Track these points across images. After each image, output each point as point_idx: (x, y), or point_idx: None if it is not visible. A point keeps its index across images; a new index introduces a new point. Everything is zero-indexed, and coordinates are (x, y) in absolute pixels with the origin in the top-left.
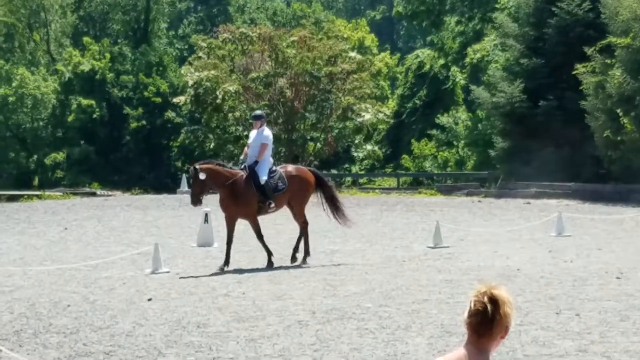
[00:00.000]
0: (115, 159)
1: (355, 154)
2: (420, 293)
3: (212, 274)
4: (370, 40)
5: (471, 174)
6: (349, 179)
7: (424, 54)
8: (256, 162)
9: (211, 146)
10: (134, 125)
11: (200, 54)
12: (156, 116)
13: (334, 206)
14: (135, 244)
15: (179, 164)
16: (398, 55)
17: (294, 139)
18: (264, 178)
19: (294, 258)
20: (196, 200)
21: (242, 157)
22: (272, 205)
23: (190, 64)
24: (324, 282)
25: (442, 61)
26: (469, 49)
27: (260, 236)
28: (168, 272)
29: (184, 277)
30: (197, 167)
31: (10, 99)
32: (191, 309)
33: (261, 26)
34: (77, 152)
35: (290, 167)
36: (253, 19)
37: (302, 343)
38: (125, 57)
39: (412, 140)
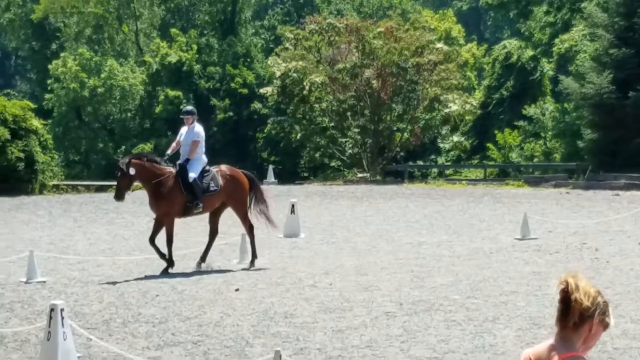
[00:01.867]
0: None
1: (441, 145)
2: (507, 285)
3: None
4: (457, 30)
5: (559, 165)
6: (435, 170)
7: (512, 44)
8: (187, 161)
9: (297, 137)
10: (220, 116)
11: (287, 45)
12: (243, 107)
13: (262, 210)
14: (222, 234)
15: (265, 155)
16: (485, 45)
17: (380, 130)
18: (192, 175)
19: (199, 264)
20: (121, 195)
21: (168, 151)
22: (200, 205)
23: (277, 55)
24: (411, 273)
25: (529, 52)
26: (557, 39)
27: (170, 241)
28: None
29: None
30: (127, 161)
31: (99, 90)
32: (278, 299)
33: (348, 17)
34: (164, 143)
35: (224, 168)
36: (339, 9)
37: (390, 334)
38: (212, 48)
39: (496, 131)
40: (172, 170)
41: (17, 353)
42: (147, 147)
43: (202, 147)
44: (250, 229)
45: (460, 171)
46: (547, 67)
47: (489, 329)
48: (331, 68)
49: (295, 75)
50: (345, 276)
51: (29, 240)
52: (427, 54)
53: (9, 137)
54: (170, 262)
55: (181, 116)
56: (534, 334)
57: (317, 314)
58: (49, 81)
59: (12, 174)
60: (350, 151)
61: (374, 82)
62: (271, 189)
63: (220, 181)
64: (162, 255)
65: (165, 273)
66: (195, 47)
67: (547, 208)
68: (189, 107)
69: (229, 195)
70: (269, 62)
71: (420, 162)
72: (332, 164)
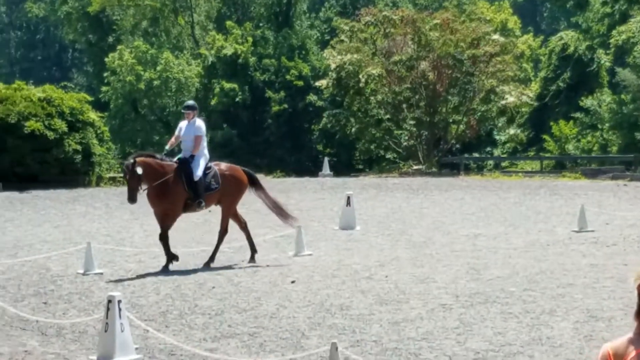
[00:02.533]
0: (257, 142)
1: (497, 137)
2: (564, 277)
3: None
4: (513, 22)
5: (616, 157)
6: (491, 162)
7: (568, 35)
8: (192, 157)
9: (352, 130)
10: (275, 108)
11: (343, 37)
12: (298, 100)
13: (274, 205)
14: (278, 226)
15: (320, 147)
16: (541, 37)
17: (436, 122)
18: (198, 174)
19: (252, 258)
20: (134, 197)
21: (167, 147)
22: (203, 204)
23: (333, 47)
24: (467, 265)
25: (586, 43)
26: (615, 31)
27: (165, 237)
28: (311, 254)
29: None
30: (132, 162)
31: (155, 82)
32: (334, 291)
33: (403, 9)
34: (220, 136)
35: (224, 166)
36: (395, 1)
37: (446, 327)
38: (268, 40)
39: (552, 123)
40: (174, 166)
41: (75, 344)
42: None
43: (204, 142)
44: (224, 231)
45: (516, 163)
46: (604, 58)
47: (546, 322)
48: (387, 60)
49: (350, 67)
50: (401, 268)
51: (86, 232)
52: (483, 45)
53: (66, 129)
54: (171, 257)
55: (183, 110)
56: (592, 327)
57: (373, 306)
58: (105, 74)
59: (70, 167)
60: (405, 143)
61: (429, 74)
62: (327, 181)
63: (220, 179)
64: (170, 255)
65: (165, 270)
66: (250, 39)
67: (605, 200)
68: (191, 102)
69: (224, 192)
70: (324, 54)
71: (476, 154)
72: (388, 156)
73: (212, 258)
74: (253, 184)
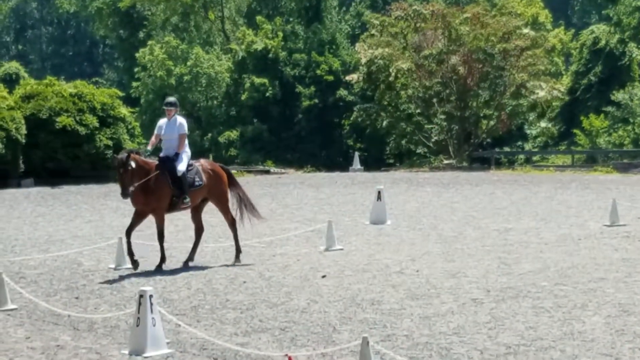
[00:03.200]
0: (288, 137)
1: (528, 132)
2: (596, 272)
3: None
4: (544, 16)
5: None
6: (521, 156)
7: (599, 29)
8: (177, 155)
9: (383, 124)
10: (306, 103)
11: (373, 31)
12: (328, 94)
13: (249, 202)
14: (308, 221)
15: (350, 142)
16: (572, 31)
17: (467, 116)
18: (181, 169)
19: (186, 263)
20: (128, 192)
21: (149, 147)
22: (188, 200)
23: (363, 41)
24: (499, 260)
25: (618, 36)
26: None
27: (161, 236)
28: (342, 249)
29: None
30: (127, 155)
31: (186, 77)
32: (365, 286)
33: (434, 3)
34: (250, 131)
35: (204, 162)
36: None
37: (477, 321)
38: (298, 35)
39: (582, 117)
40: (156, 163)
41: (106, 339)
42: (234, 134)
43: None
44: (232, 222)
45: (547, 157)
46: (636, 52)
47: (578, 316)
48: (417, 54)
49: (381, 61)
50: (432, 263)
51: (118, 227)
52: (514, 39)
53: (97, 125)
54: (163, 258)
55: (165, 107)
56: (623, 321)
57: (404, 301)
58: (136, 69)
59: (101, 162)
60: (436, 138)
61: (460, 68)
62: (357, 175)
63: (203, 176)
64: (130, 251)
65: (159, 269)
66: (280, 34)
67: (636, 194)
68: (173, 99)
69: (210, 190)
70: (354, 48)
71: (507, 149)
72: (418, 150)
73: (238, 250)
74: (230, 180)
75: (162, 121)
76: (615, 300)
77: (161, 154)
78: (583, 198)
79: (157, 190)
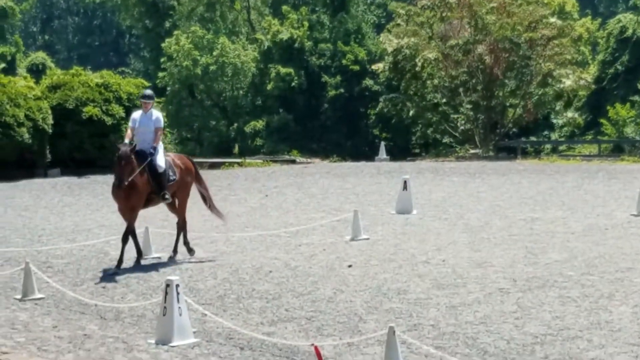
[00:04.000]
0: (314, 127)
1: (554, 121)
2: (623, 261)
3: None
4: (571, 5)
5: None
6: (548, 146)
7: (627, 18)
8: (154, 148)
9: (409, 114)
10: (331, 93)
11: (399, 21)
12: (354, 84)
13: (209, 198)
14: (334, 210)
15: (376, 131)
16: (599, 20)
17: (493, 105)
18: (162, 166)
19: (174, 252)
20: (124, 184)
21: (127, 140)
22: (167, 196)
23: (389, 31)
24: (525, 249)
25: None
26: None
27: (134, 234)
28: (368, 239)
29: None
30: (131, 148)
31: (212, 67)
32: (391, 275)
33: None
34: (276, 120)
35: (174, 155)
36: None
37: (503, 311)
38: (324, 25)
39: (608, 107)
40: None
41: (133, 328)
42: (259, 124)
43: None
44: (184, 222)
45: (573, 147)
46: None
47: (605, 306)
48: (443, 44)
49: (407, 51)
50: (458, 252)
51: (144, 217)
52: (541, 28)
53: (123, 114)
54: (120, 261)
55: (142, 100)
56: None
57: (431, 290)
58: (162, 59)
59: None
60: (462, 127)
61: (486, 57)
62: (383, 165)
63: (176, 170)
64: (138, 246)
65: (138, 264)
66: (306, 24)
67: None
68: (150, 91)
69: (181, 183)
70: (380, 38)
71: (533, 138)
72: (444, 140)
73: (174, 251)
74: (196, 175)
75: (137, 114)
76: None
77: (138, 147)
78: (610, 188)
79: (139, 186)
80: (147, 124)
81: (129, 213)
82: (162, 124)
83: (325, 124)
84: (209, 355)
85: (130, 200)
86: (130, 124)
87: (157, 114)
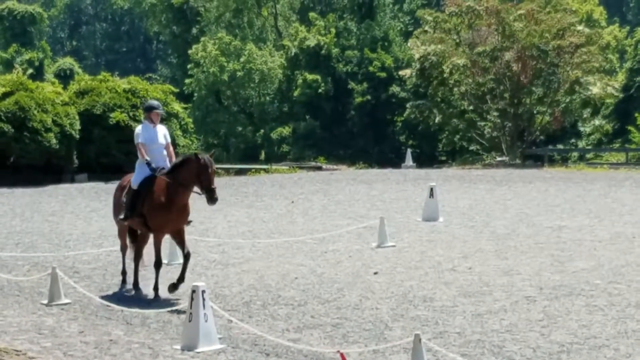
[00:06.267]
0: (340, 133)
1: (582, 129)
2: None
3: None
4: (599, 12)
5: None
6: (575, 154)
7: None
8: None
9: (436, 120)
10: (358, 100)
11: (426, 27)
12: (381, 91)
13: None
14: (361, 217)
15: (403, 138)
16: (627, 27)
17: (520, 113)
18: None
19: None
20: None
21: (147, 158)
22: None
23: (417, 37)
24: (552, 257)
25: None
26: None
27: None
28: (394, 246)
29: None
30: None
31: (239, 74)
32: (417, 283)
33: None
34: (303, 127)
35: None
36: None
37: (530, 319)
38: (351, 32)
39: (637, 115)
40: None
41: (159, 334)
42: (286, 130)
43: None
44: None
45: (601, 155)
46: None
47: (632, 315)
48: (471, 51)
49: (434, 58)
50: (484, 260)
51: None
52: (568, 36)
53: None
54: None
55: (154, 111)
56: None
57: (457, 298)
58: (189, 65)
59: None
60: (489, 135)
61: (514, 65)
62: (409, 172)
63: None
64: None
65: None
66: (333, 30)
67: None
68: (156, 102)
69: None
70: (408, 45)
71: (560, 146)
72: (471, 147)
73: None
74: None
75: (145, 128)
76: None
77: (157, 165)
78: (637, 196)
79: (189, 206)
80: (160, 139)
81: (178, 236)
82: (169, 139)
83: (351, 131)
84: None
85: (180, 222)
86: (140, 139)
87: (164, 128)
